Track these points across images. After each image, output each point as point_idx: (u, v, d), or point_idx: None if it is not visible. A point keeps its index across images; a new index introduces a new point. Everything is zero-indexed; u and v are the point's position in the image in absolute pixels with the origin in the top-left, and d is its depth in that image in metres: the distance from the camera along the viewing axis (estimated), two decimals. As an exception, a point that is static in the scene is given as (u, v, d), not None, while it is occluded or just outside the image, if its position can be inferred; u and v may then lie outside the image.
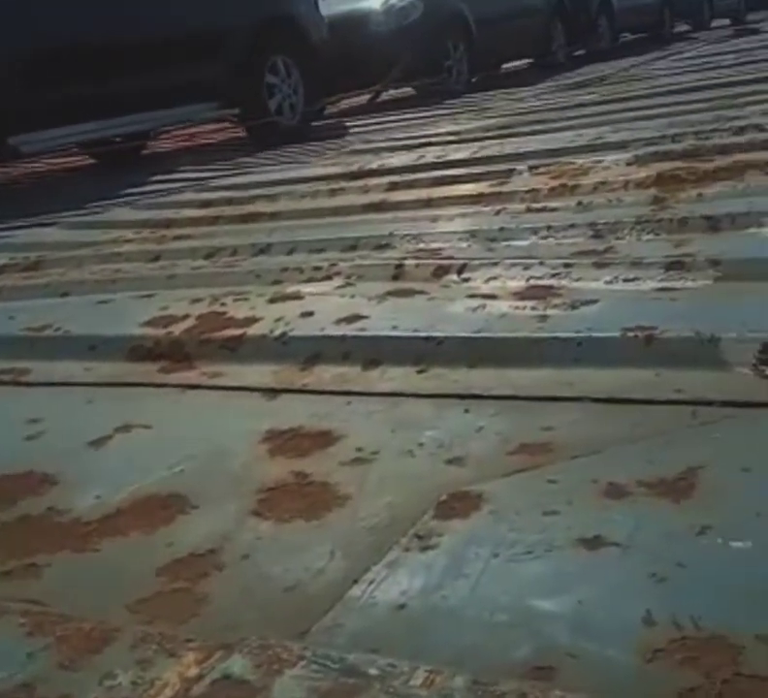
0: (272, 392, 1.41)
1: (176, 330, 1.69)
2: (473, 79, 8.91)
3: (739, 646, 0.72)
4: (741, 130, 3.40)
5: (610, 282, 1.74)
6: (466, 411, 1.28)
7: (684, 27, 12.51)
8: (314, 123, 6.80)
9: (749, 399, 1.17)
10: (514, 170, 3.44)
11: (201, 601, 0.89)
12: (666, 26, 11.63)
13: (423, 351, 1.47)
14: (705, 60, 7.63)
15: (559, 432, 1.17)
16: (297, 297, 1.80)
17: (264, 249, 2.41)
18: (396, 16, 8.05)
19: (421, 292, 1.80)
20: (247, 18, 5.95)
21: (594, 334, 1.41)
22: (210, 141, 7.16)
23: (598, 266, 1.82)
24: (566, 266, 1.84)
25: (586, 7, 9.78)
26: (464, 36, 8.29)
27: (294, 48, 6.43)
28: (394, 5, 8.09)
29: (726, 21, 13.26)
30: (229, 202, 3.68)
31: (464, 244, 2.24)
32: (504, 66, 10.56)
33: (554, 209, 2.62)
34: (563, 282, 1.78)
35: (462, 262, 1.95)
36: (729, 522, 0.90)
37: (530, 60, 10.37)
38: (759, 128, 3.38)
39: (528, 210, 2.68)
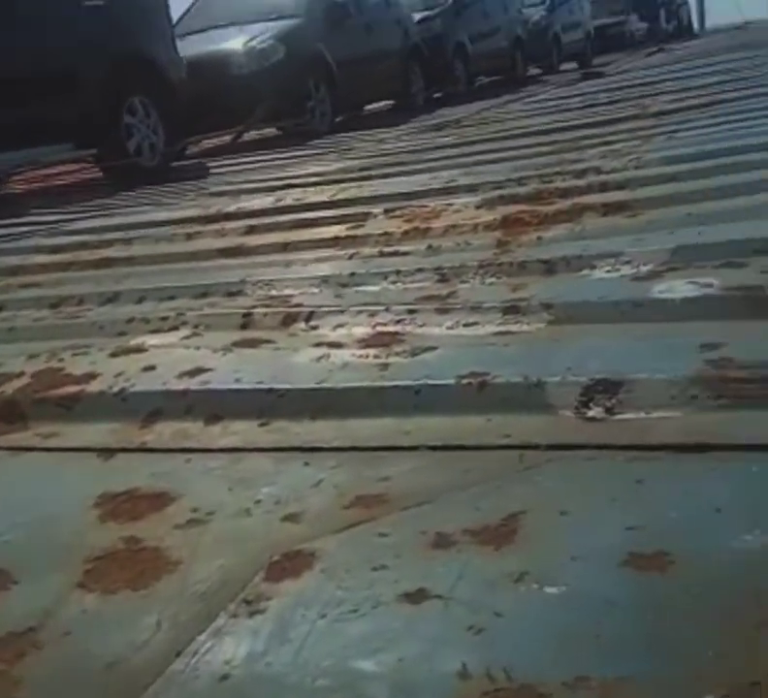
0: (109, 451, 1.38)
1: (10, 388, 1.63)
2: (337, 120, 9.06)
3: (547, 694, 0.75)
4: (581, 173, 3.59)
5: (451, 327, 1.79)
6: (306, 464, 1.28)
7: (535, 70, 13.11)
8: (175, 164, 6.74)
9: (570, 442, 1.22)
10: (370, 213, 3.51)
11: (17, 684, 0.85)
12: (519, 70, 12.16)
13: (265, 404, 1.47)
14: (553, 103, 8.00)
15: (394, 483, 1.19)
16: (140, 349, 1.77)
17: (112, 298, 2.36)
18: (257, 58, 8.11)
19: (268, 341, 1.80)
20: (102, 58, 5.87)
21: (431, 382, 1.45)
22: (66, 182, 6.99)
23: (440, 311, 1.88)
24: (411, 312, 1.89)
25: (441, 51, 10.11)
26: (326, 77, 8.44)
27: (152, 89, 6.39)
28: (254, 47, 8.16)
29: (575, 65, 13.98)
30: (82, 246, 3.60)
31: (315, 290, 2.26)
32: (367, 107, 10.80)
33: (405, 253, 2.68)
34: (408, 328, 1.82)
35: (310, 310, 1.96)
36: (545, 567, 0.93)
37: (392, 102, 10.63)
38: (597, 171, 3.57)
39: (381, 254, 2.73)
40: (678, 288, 1.77)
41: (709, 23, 24.26)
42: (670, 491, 1.05)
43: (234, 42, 8.16)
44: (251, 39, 8.11)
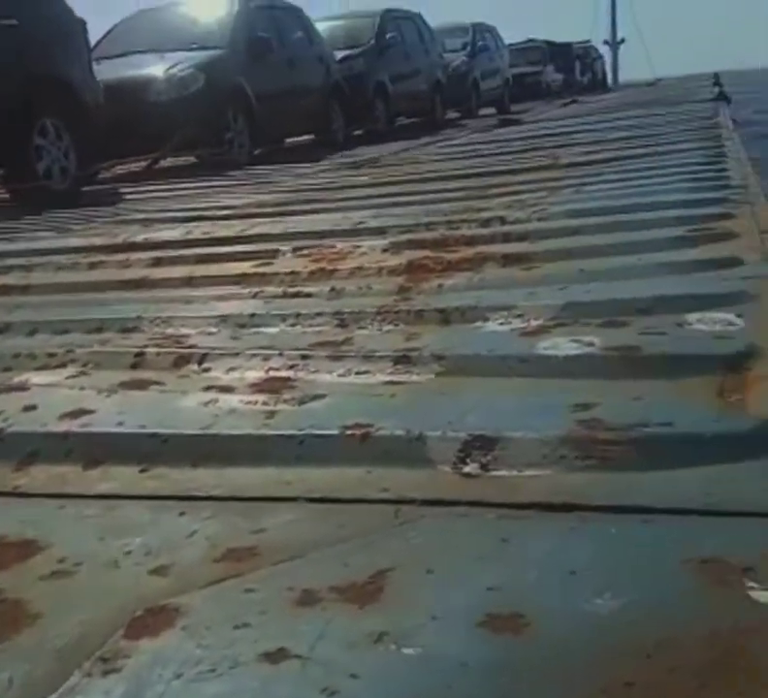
0: (-21, 496, 1.34)
1: None
2: (256, 152, 9.09)
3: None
4: (487, 222, 3.68)
5: (342, 375, 1.82)
6: (182, 514, 1.28)
7: (455, 114, 13.44)
8: (87, 188, 6.64)
9: (445, 498, 1.25)
10: (279, 250, 3.53)
11: None
12: (438, 112, 12.44)
13: (147, 449, 1.46)
14: (469, 148, 8.21)
15: (269, 535, 1.20)
16: (22, 388, 1.74)
17: (2, 329, 2.31)
18: (177, 86, 8.11)
19: (157, 383, 1.79)
20: (13, 78, 5.77)
21: (316, 432, 1.46)
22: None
23: (334, 358, 1.90)
24: (305, 357, 1.90)
25: (363, 90, 10.29)
26: (245, 109, 8.48)
27: (65, 111, 6.31)
28: (175, 74, 8.16)
29: (493, 110, 14.39)
30: (-21, 272, 3.51)
31: (213, 330, 2.26)
32: (288, 141, 10.87)
33: (308, 295, 2.70)
34: (300, 374, 1.83)
35: (204, 351, 1.96)
36: (405, 627, 0.95)
37: (312, 137, 10.74)
38: (502, 221, 3.67)
39: (284, 295, 2.75)
40: (561, 345, 1.83)
41: (622, 78, 25.37)
42: (532, 550, 1.09)
43: (154, 68, 8.15)
44: (172, 66, 8.11)
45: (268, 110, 8.59)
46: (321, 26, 10.19)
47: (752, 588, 0.96)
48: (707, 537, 1.07)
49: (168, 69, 8.12)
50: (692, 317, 1.94)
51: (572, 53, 20.73)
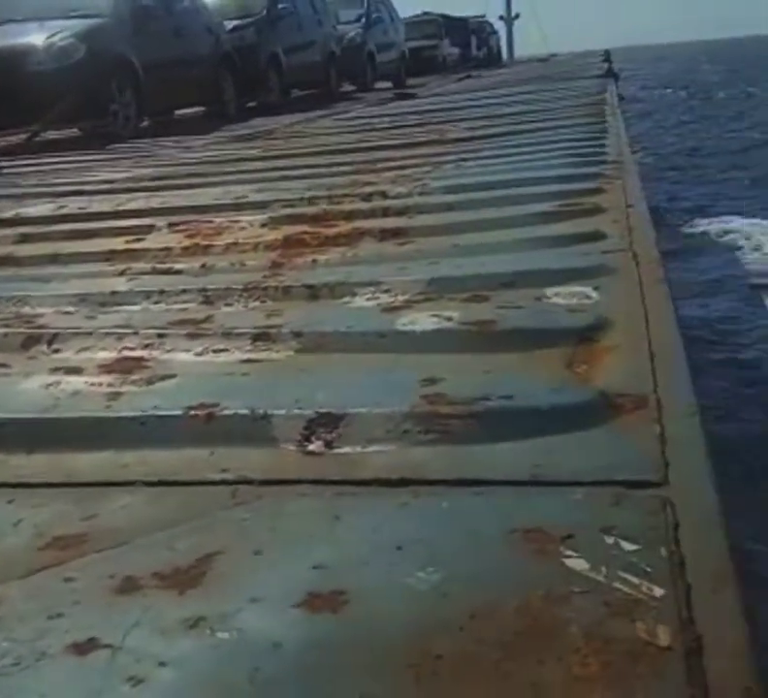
0: None
1: None
2: (143, 124, 8.83)
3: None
4: (369, 196, 3.66)
5: (200, 354, 1.77)
6: (10, 502, 1.22)
7: (350, 87, 13.32)
8: (-41, 161, 6.33)
9: (286, 477, 1.24)
10: (154, 226, 3.43)
11: None
12: (333, 85, 12.31)
13: (-18, 435, 1.40)
14: (363, 121, 8.15)
15: (99, 522, 1.16)
16: None
17: None
18: (56, 56, 7.78)
19: (2, 365, 1.71)
20: None
21: (159, 413, 1.42)
22: None
23: (192, 336, 1.85)
24: (161, 336, 1.85)
25: (254, 61, 10.09)
26: (131, 80, 8.20)
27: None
28: (55, 43, 7.83)
29: (389, 84, 14.32)
30: None
31: (71, 309, 2.18)
32: (177, 112, 10.59)
33: (177, 272, 2.64)
34: (154, 354, 1.78)
35: (55, 331, 1.89)
36: (223, 611, 0.93)
37: (203, 109, 10.48)
38: (384, 195, 3.65)
39: (153, 271, 2.67)
40: (421, 320, 1.83)
41: (517, 53, 25.62)
42: (362, 527, 1.08)
43: (32, 37, 7.80)
44: (51, 35, 7.77)
45: (154, 80, 8.33)
46: (209, -4, 9.94)
47: (568, 557, 0.97)
48: (532, 507, 1.08)
49: (47, 38, 7.77)
50: (551, 291, 1.97)
51: (468, 28, 20.79)
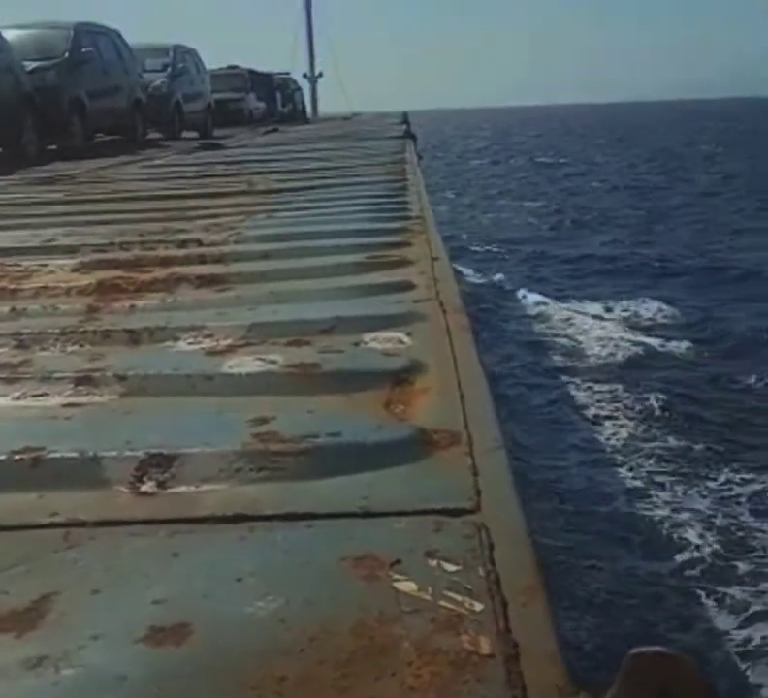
0: None
1: None
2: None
3: None
4: (183, 243, 3.68)
5: (18, 398, 1.74)
6: None
7: (156, 134, 13.21)
8: None
9: (118, 518, 1.24)
10: (-48, 269, 3.28)
11: None
12: (139, 131, 12.17)
13: None
14: (171, 169, 8.12)
15: None
16: None
17: None
18: None
19: None
20: None
21: (-20, 458, 1.39)
22: None
23: (9, 381, 1.81)
24: (-27, 381, 1.79)
25: (56, 102, 9.81)
26: None
27: None
28: None
29: (195, 133, 14.32)
30: None
31: None
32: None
33: (-16, 316, 2.54)
34: (-32, 399, 1.72)
35: None
36: (65, 649, 0.94)
37: (0, 150, 10.04)
38: (199, 243, 3.69)
39: (-44, 316, 2.56)
40: (246, 363, 1.88)
41: (321, 110, 26.38)
42: (201, 562, 1.12)
43: None
44: None
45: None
46: (8, 34, 9.59)
47: (397, 580, 1.05)
48: (362, 536, 1.16)
49: None
50: (368, 336, 2.08)
51: (273, 83, 21.21)
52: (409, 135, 10.48)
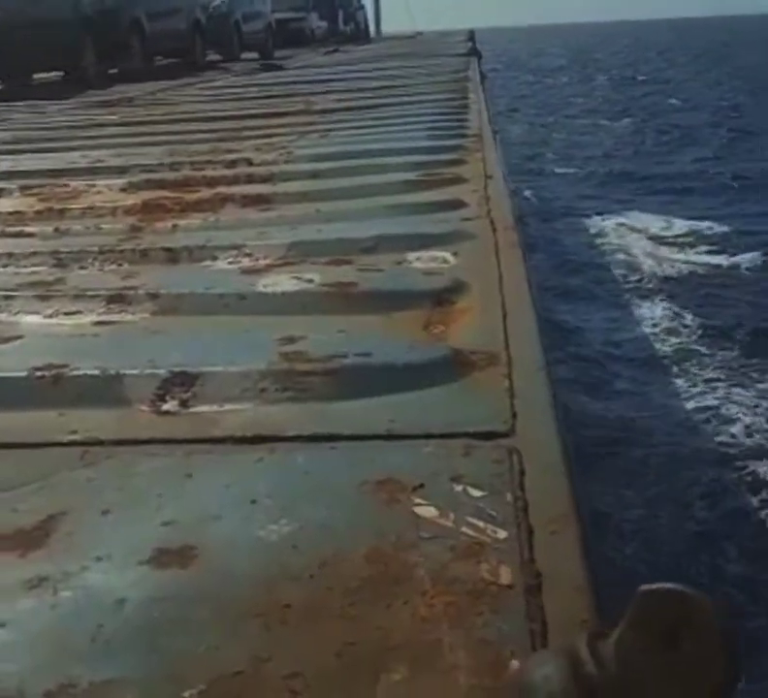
0: None
1: None
2: (-2, 87, 8.35)
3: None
4: (232, 163, 3.59)
5: (50, 316, 1.70)
6: None
7: (216, 57, 12.97)
8: None
9: (136, 437, 1.20)
10: (4, 189, 3.27)
11: None
12: (198, 53, 11.95)
13: None
14: (229, 91, 7.97)
15: (-64, 486, 1.10)
16: None
17: None
18: None
19: None
20: None
21: (2, 374, 1.36)
22: None
23: (42, 298, 1.78)
24: (7, 298, 1.77)
25: (116, 25, 9.66)
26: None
27: None
28: None
29: (255, 55, 14.03)
30: None
31: None
32: (37, 76, 10.07)
33: (29, 235, 2.52)
34: (1, 316, 1.70)
35: None
36: (67, 570, 0.90)
37: (62, 73, 10.00)
38: (249, 162, 3.60)
39: (2, 234, 2.54)
40: (282, 282, 1.82)
41: (384, 30, 25.61)
42: (215, 484, 1.07)
43: None
44: None
45: (8, 42, 7.87)
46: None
47: (418, 505, 0.99)
48: (385, 460, 1.09)
49: None
50: (412, 255, 1.99)
51: (335, 1, 20.54)
52: (474, 53, 10.08)
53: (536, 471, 1.05)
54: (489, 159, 3.10)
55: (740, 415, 5.66)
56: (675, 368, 6.73)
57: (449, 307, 1.65)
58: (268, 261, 2.04)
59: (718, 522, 4.61)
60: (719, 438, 5.44)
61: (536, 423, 1.16)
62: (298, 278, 1.83)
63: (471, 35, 13.24)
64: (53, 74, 10.35)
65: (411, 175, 2.88)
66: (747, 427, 5.49)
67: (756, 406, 5.75)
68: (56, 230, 2.56)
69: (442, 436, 1.14)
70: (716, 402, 5.91)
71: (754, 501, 4.77)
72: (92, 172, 3.58)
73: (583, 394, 5.97)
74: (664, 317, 7.79)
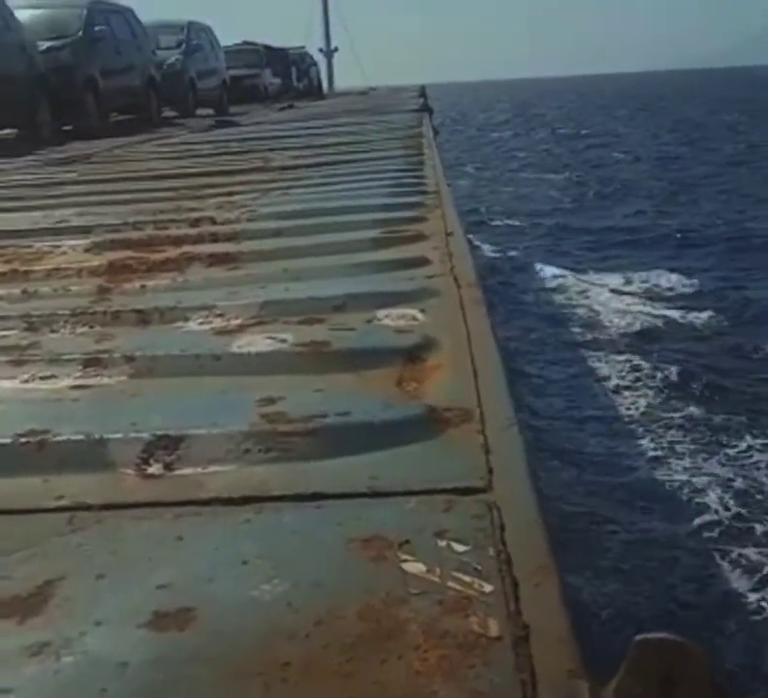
0: None
1: None
2: (-51, 145, 8.34)
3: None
4: (196, 222, 3.65)
5: (25, 381, 1.72)
6: None
7: (172, 113, 13.15)
8: None
9: (124, 501, 1.23)
10: (-35, 251, 3.27)
11: None
12: (153, 110, 12.11)
13: None
14: (185, 148, 8.07)
15: None
16: None
17: None
18: None
19: None
20: None
21: (-15, 442, 1.37)
22: None
23: (16, 363, 1.80)
24: (-18, 364, 1.78)
25: (70, 82, 9.77)
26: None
27: None
28: None
29: (210, 111, 14.24)
30: None
31: None
32: (-12, 133, 10.09)
33: (-4, 298, 2.53)
34: (-24, 383, 1.71)
35: None
36: (67, 636, 0.92)
37: (16, 130, 10.04)
38: (212, 221, 3.65)
39: (-33, 299, 2.55)
40: (256, 342, 1.86)
41: (336, 86, 26.18)
42: (206, 545, 1.10)
43: None
44: None
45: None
46: (21, 14, 9.54)
47: (405, 561, 1.03)
48: (370, 517, 1.13)
49: None
50: (381, 313, 2.05)
51: (288, 58, 21.03)
52: (426, 108, 10.35)
53: (515, 525, 1.10)
54: (448, 215, 3.20)
55: (709, 485, 5.63)
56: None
57: (421, 364, 1.71)
58: (239, 321, 2.09)
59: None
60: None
61: (512, 478, 1.22)
62: (271, 338, 1.87)
63: (423, 91, 13.60)
64: (6, 131, 10.38)
65: (374, 233, 2.96)
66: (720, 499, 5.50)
67: (730, 479, 5.77)
68: (24, 292, 2.58)
69: (423, 493, 1.18)
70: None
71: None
72: (56, 232, 3.61)
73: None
74: (618, 373, 7.91)
